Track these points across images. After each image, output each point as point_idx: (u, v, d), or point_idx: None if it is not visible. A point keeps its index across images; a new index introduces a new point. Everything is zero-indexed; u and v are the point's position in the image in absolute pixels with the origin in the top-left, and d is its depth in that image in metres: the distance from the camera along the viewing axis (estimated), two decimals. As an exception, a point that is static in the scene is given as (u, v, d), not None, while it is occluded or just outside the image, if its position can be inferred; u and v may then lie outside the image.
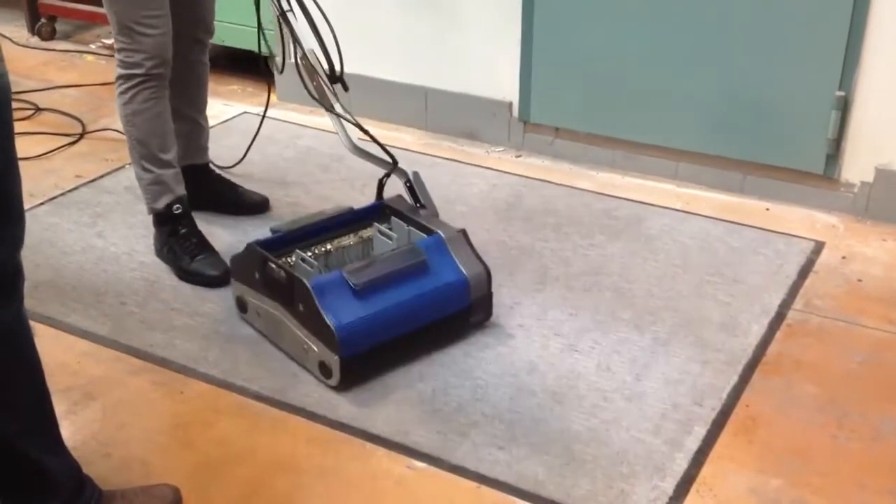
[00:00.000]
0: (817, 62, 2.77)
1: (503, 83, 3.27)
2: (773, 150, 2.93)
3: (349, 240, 2.36)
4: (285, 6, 2.31)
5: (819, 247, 2.72)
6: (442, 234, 2.25)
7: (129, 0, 2.32)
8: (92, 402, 2.08)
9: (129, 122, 2.46)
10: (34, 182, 2.99)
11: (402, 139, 3.31)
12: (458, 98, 3.34)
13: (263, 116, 2.89)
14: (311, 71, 2.33)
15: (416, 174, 2.41)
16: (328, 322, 2.02)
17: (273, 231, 2.30)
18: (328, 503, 1.82)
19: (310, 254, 2.27)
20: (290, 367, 2.19)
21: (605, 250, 2.67)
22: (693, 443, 1.97)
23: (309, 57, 2.32)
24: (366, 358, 2.09)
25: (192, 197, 2.58)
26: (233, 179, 2.97)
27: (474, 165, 3.21)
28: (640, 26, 2.98)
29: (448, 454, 1.93)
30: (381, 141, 2.40)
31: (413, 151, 3.23)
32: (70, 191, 3.01)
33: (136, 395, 2.11)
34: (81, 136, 3.39)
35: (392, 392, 2.10)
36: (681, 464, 1.91)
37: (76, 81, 3.87)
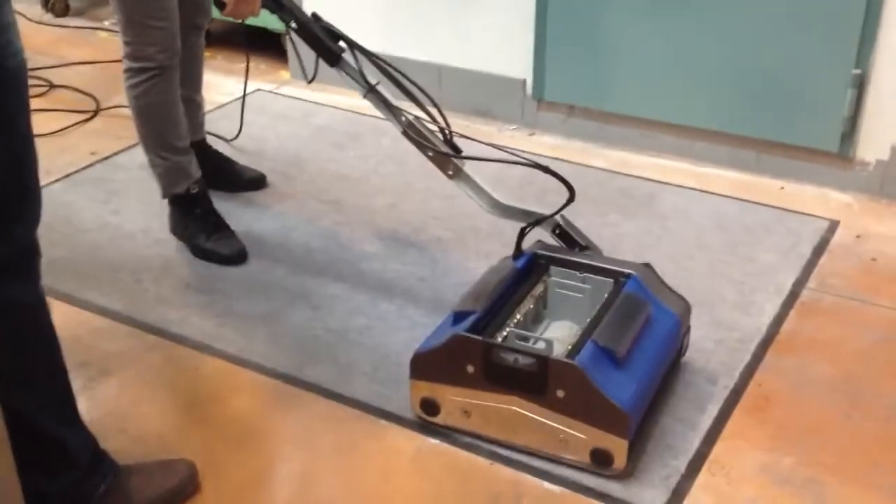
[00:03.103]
0: (833, 39, 2.75)
1: (517, 60, 3.25)
2: (788, 128, 2.91)
3: (529, 303, 2.03)
4: (372, 81, 2.17)
5: (833, 225, 2.71)
6: (637, 275, 2.02)
7: (138, 1, 2.29)
8: (108, 377, 2.10)
9: (142, 113, 2.45)
10: (49, 159, 3.00)
11: (415, 117, 3.31)
12: (471, 75, 3.33)
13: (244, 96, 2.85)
14: (423, 140, 2.16)
15: (563, 216, 2.14)
16: (612, 402, 1.74)
17: (458, 313, 1.91)
18: (342, 480, 1.84)
19: (510, 330, 1.92)
20: (305, 345, 2.20)
21: (619, 229, 2.67)
22: (705, 421, 1.97)
23: (417, 125, 2.15)
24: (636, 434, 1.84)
25: None
26: (247, 159, 2.98)
27: (487, 144, 3.19)
28: (655, 3, 2.96)
29: (459, 433, 1.93)
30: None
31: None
32: (85, 168, 3.02)
33: (151, 372, 2.13)
34: (95, 113, 3.40)
35: (406, 372, 2.10)
36: (693, 442, 1.92)
37: (90, 58, 3.87)
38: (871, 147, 2.83)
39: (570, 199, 2.04)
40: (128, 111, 2.72)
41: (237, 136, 3.02)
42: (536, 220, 2.13)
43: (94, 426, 1.70)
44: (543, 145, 3.19)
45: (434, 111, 2.15)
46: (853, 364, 2.15)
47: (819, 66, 2.80)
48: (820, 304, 2.37)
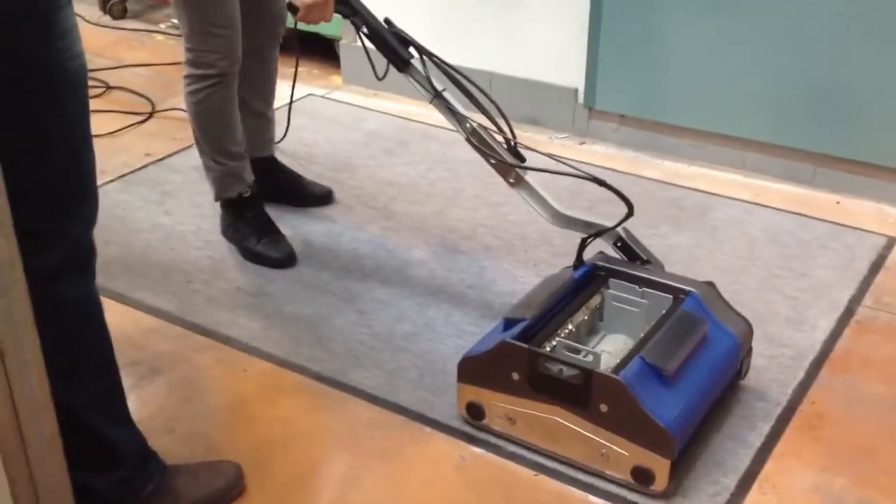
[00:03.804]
0: (893, 51, 2.69)
1: (569, 69, 3.23)
2: (846, 141, 2.86)
3: (583, 314, 2.00)
4: (438, 86, 2.15)
5: (891, 242, 2.65)
6: (697, 292, 1.98)
7: (200, 9, 2.31)
8: (157, 377, 2.12)
9: (200, 119, 2.46)
10: (104, 159, 3.02)
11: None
12: (522, 83, 3.32)
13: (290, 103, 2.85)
14: (486, 148, 2.13)
15: (625, 229, 2.11)
16: (655, 420, 1.71)
17: (509, 319, 1.91)
18: (387, 486, 1.83)
19: (559, 340, 1.90)
20: (351, 349, 2.20)
21: (669, 240, 2.64)
22: (757, 439, 1.94)
23: (481, 133, 2.12)
24: (680, 453, 1.80)
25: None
26: (298, 163, 2.99)
27: (538, 152, 3.18)
28: (710, 12, 2.92)
29: (505, 442, 1.92)
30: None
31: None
32: (139, 169, 3.06)
33: (200, 372, 2.14)
34: (151, 114, 3.45)
35: (451, 379, 2.10)
36: (743, 460, 1.88)
37: (146, 60, 3.93)
38: (931, 162, 2.77)
39: (629, 214, 2.01)
40: (182, 114, 2.75)
41: (283, 138, 3.04)
42: (598, 232, 2.09)
43: (142, 425, 1.72)
44: (594, 154, 3.17)
45: (500, 119, 2.12)
46: (909, 384, 2.10)
47: (878, 78, 2.74)
48: (875, 322, 2.32)
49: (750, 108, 2.97)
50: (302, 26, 2.53)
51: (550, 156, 2.15)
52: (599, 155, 3.17)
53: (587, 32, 3.13)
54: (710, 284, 2.05)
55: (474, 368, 1.90)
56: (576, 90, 3.25)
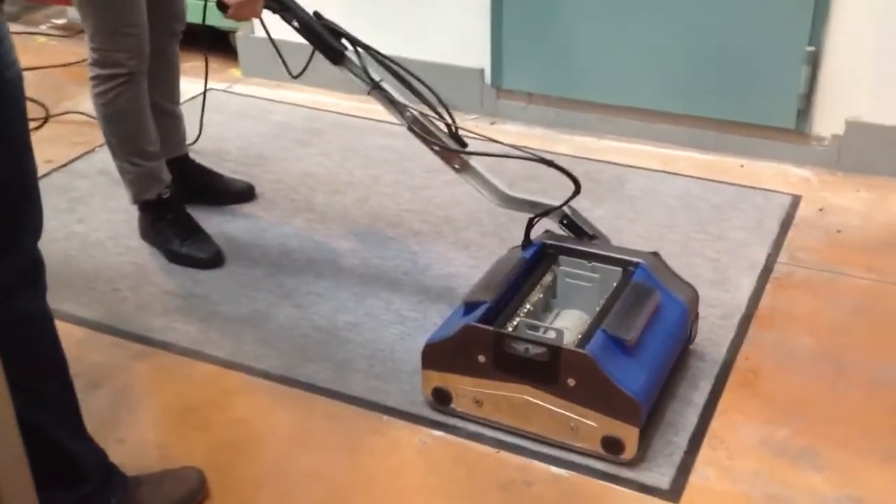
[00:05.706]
0: (787, 17, 2.82)
1: (474, 50, 3.26)
2: (745, 107, 2.98)
3: (538, 293, 2.03)
4: (376, 77, 2.15)
5: (796, 200, 2.78)
6: (645, 263, 2.03)
7: (111, 9, 2.24)
8: (98, 389, 2.06)
9: (111, 120, 2.38)
10: (4, 169, 2.91)
11: (373, 111, 3.29)
12: (428, 67, 3.29)
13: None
14: (428, 136, 2.14)
15: (570, 207, 2.15)
16: (623, 391, 1.75)
17: (469, 303, 1.93)
18: (354, 478, 1.83)
19: (520, 319, 1.92)
20: (297, 344, 2.18)
21: (591, 214, 2.65)
22: (700, 397, 2.02)
23: (422, 121, 2.13)
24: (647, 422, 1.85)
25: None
26: (209, 160, 2.92)
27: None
28: (611, -11, 3.00)
29: (464, 423, 1.94)
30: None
31: (385, 122, 3.21)
32: (43, 176, 2.89)
33: (142, 380, 2.09)
34: (46, 119, 3.31)
35: (401, 366, 2.11)
36: (691, 418, 1.96)
37: (31, 64, 3.75)
38: (826, 122, 2.91)
39: (576, 192, 2.05)
40: (80, 117, 2.66)
41: (197, 139, 2.96)
42: (545, 211, 2.12)
43: (93, 438, 1.67)
44: (505, 133, 3.20)
45: (439, 107, 2.13)
46: (832, 335, 2.22)
47: (773, 44, 2.86)
48: (793, 277, 2.43)
49: (652, 79, 3.06)
50: (214, 21, 2.48)
51: (493, 140, 2.16)
52: (511, 134, 3.20)
53: (490, 12, 3.16)
54: (656, 254, 2.12)
55: (439, 354, 1.90)
56: (482, 71, 3.28)
